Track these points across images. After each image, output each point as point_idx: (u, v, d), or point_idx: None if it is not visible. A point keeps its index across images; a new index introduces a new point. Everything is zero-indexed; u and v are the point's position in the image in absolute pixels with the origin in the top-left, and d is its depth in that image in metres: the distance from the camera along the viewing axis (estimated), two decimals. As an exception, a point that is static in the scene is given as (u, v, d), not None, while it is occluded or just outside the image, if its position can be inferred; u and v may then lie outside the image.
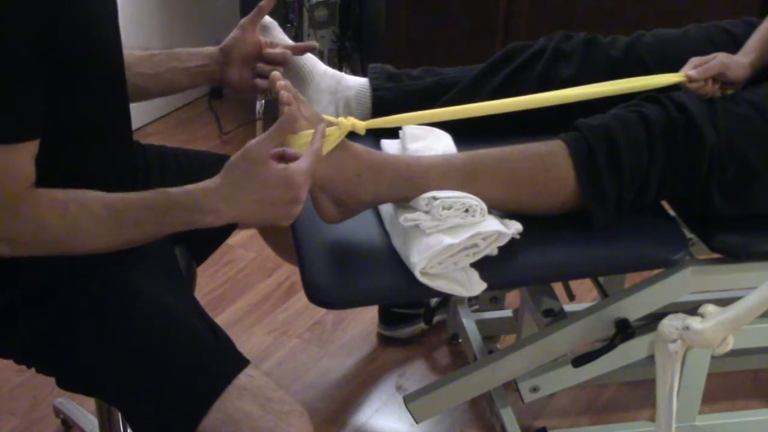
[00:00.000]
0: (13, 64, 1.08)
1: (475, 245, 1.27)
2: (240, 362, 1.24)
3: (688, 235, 1.48)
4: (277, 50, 1.49)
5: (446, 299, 1.99)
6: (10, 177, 1.11)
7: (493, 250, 1.29)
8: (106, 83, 1.25)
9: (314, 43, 1.55)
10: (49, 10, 1.09)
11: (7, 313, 1.24)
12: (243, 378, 1.21)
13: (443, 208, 1.26)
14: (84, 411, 1.81)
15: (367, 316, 2.17)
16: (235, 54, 1.48)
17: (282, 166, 1.14)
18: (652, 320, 1.47)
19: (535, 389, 1.58)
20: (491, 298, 1.99)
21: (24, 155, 1.12)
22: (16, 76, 1.09)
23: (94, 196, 1.16)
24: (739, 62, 1.48)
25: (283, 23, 2.74)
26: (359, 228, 1.37)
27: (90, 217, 1.14)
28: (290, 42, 1.58)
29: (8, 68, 1.08)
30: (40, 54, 1.09)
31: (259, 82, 1.48)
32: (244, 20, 1.48)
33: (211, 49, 1.49)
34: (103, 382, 1.26)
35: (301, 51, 1.53)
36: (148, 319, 1.23)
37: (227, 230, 1.56)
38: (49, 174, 1.16)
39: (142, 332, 1.22)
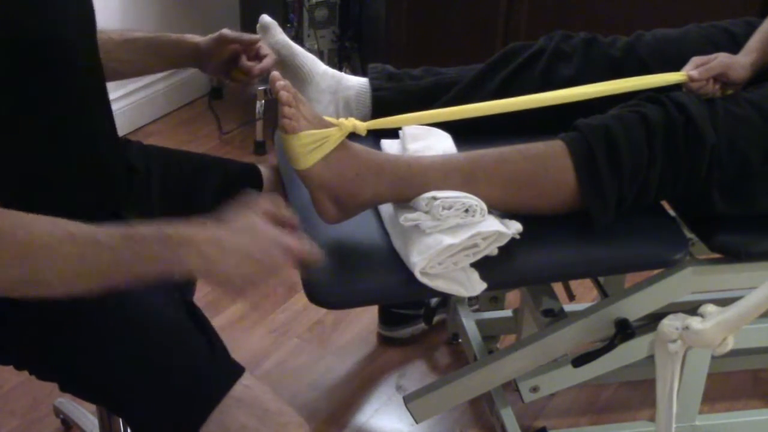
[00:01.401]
0: None
1: (475, 245, 1.27)
2: (235, 371, 1.22)
3: (688, 235, 1.48)
4: (255, 68, 1.50)
5: (446, 299, 1.99)
6: None
7: (493, 250, 1.29)
8: (74, 80, 1.23)
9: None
10: None
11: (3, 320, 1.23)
12: (239, 388, 1.19)
13: (443, 208, 1.26)
14: (84, 411, 1.82)
15: (367, 316, 2.17)
16: (212, 57, 1.50)
17: (276, 232, 1.09)
18: (652, 320, 1.47)
19: (535, 389, 1.58)
20: (491, 298, 1.99)
21: None
22: None
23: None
24: (740, 62, 1.48)
25: (283, 23, 2.74)
26: (359, 228, 1.37)
27: (57, 234, 1.00)
28: (289, 42, 1.58)
29: None
30: None
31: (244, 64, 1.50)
32: (226, 34, 1.49)
33: (192, 45, 1.51)
34: (101, 391, 1.25)
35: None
36: (144, 328, 1.21)
37: None
38: (32, 178, 1.15)
39: (137, 342, 1.21)
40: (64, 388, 1.28)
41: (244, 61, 1.50)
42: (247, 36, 1.51)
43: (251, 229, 1.08)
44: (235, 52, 1.50)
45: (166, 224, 1.05)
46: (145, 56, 1.49)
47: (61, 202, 1.18)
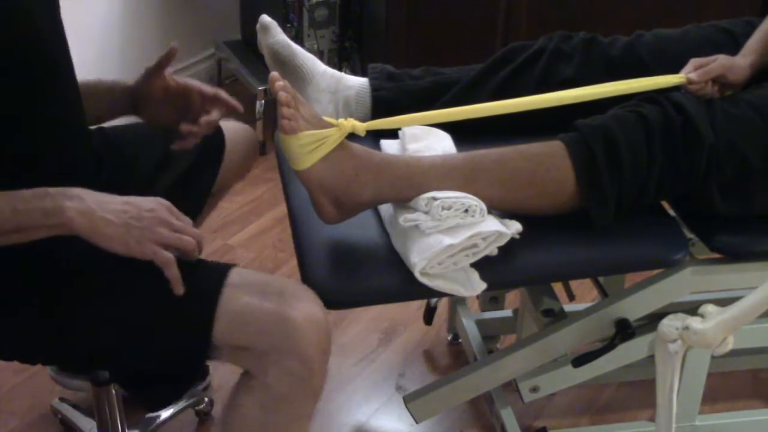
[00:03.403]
0: None
1: (475, 245, 1.27)
2: (226, 265, 1.25)
3: (688, 235, 1.48)
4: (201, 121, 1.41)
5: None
6: None
7: (493, 250, 1.29)
8: (35, 62, 1.22)
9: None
10: None
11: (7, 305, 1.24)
12: (234, 276, 1.23)
13: (443, 209, 1.26)
14: (79, 414, 1.81)
15: (367, 316, 2.17)
16: (143, 96, 1.43)
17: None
18: (652, 320, 1.47)
19: (535, 389, 1.58)
20: (491, 298, 1.99)
21: None
22: None
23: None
24: (739, 64, 1.48)
25: (283, 23, 2.74)
26: (359, 228, 1.37)
27: None
28: (289, 42, 1.58)
29: None
30: None
31: (184, 126, 1.40)
32: (149, 67, 1.41)
33: (125, 87, 1.43)
34: (110, 343, 1.25)
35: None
36: (124, 265, 1.21)
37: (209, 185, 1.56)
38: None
39: (123, 278, 1.22)
40: (66, 364, 1.28)
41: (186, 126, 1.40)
42: (177, 81, 1.42)
43: (136, 206, 1.17)
44: (162, 87, 1.41)
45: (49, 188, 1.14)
46: (91, 103, 1.39)
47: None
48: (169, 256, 1.17)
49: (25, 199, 1.14)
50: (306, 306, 1.22)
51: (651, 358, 1.46)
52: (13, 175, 1.21)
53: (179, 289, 1.18)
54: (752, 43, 1.53)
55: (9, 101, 1.19)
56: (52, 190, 1.15)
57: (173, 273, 1.17)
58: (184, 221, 1.21)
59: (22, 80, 1.20)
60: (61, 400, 1.85)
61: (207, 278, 1.24)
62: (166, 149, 1.45)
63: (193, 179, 1.55)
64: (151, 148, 1.50)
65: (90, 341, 1.25)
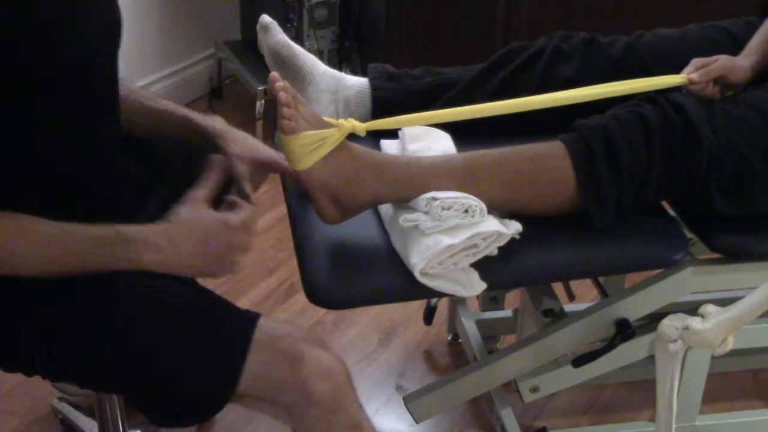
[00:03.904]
0: None
1: (475, 245, 1.27)
2: (252, 317, 1.24)
3: (688, 235, 1.48)
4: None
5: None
6: None
7: (493, 250, 1.29)
8: (91, 92, 1.22)
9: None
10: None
11: (16, 317, 1.23)
12: (260, 331, 1.22)
13: (443, 209, 1.26)
14: (79, 414, 1.81)
15: (367, 316, 2.17)
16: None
17: (219, 213, 1.22)
18: (652, 320, 1.47)
19: (535, 389, 1.58)
20: (491, 298, 1.99)
21: None
22: None
23: (38, 220, 1.15)
24: (740, 65, 1.48)
25: (283, 23, 2.74)
26: (359, 228, 1.37)
27: (24, 237, 1.13)
28: (289, 42, 1.58)
29: None
30: None
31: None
32: (254, 158, 1.38)
33: (204, 133, 1.40)
34: (131, 381, 1.24)
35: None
36: (154, 301, 1.22)
37: None
38: (38, 180, 1.15)
39: (153, 316, 1.21)
40: (84, 384, 1.28)
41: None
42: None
43: (195, 222, 1.21)
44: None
45: (122, 225, 1.18)
46: (163, 129, 1.42)
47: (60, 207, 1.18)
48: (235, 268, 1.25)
49: (93, 241, 1.15)
50: (320, 358, 1.24)
51: (651, 358, 1.46)
52: (34, 176, 1.20)
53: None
54: (753, 45, 1.53)
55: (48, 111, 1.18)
56: (123, 232, 1.17)
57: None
58: (241, 236, 1.23)
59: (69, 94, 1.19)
60: (60, 399, 1.85)
61: (234, 328, 1.23)
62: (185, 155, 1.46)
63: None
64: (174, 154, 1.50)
65: (113, 377, 1.25)
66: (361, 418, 1.25)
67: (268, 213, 2.57)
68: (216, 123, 1.40)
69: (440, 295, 1.30)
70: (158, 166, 1.48)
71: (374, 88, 1.60)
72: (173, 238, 1.19)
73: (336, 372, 1.23)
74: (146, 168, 1.45)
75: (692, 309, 1.39)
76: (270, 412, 1.25)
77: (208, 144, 1.39)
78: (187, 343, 1.21)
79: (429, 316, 2.04)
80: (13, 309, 1.22)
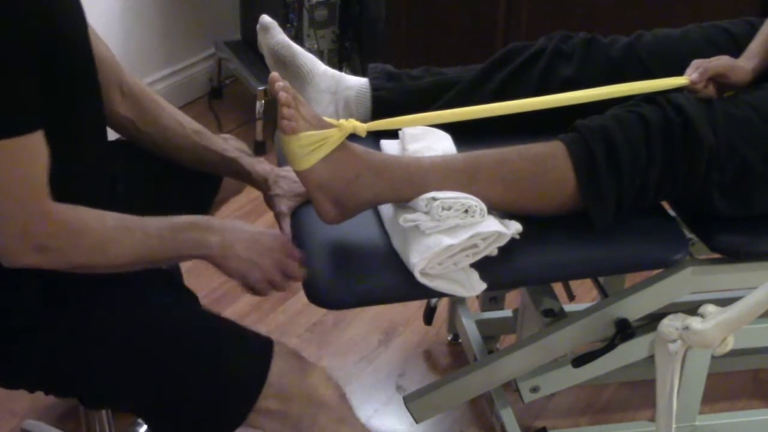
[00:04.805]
0: (13, 56, 1.08)
1: (475, 246, 1.27)
2: (268, 344, 1.30)
3: (688, 235, 1.48)
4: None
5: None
6: (38, 168, 1.12)
7: (493, 251, 1.29)
8: (75, 83, 1.23)
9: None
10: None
11: (25, 333, 1.24)
12: (275, 360, 1.28)
13: (443, 209, 1.26)
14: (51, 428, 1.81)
15: (367, 316, 2.17)
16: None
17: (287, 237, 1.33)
18: (652, 320, 1.47)
19: (535, 389, 1.58)
20: (491, 298, 1.99)
21: (42, 144, 1.12)
22: (17, 67, 1.09)
23: (122, 213, 1.20)
24: (742, 67, 1.48)
25: (283, 23, 2.74)
26: (359, 228, 1.37)
27: (123, 227, 1.20)
28: (289, 42, 1.58)
29: (9, 60, 1.08)
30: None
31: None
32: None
33: (245, 175, 1.50)
34: (148, 401, 1.28)
35: None
36: (173, 329, 1.28)
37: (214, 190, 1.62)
38: None
39: (169, 344, 1.26)
40: (90, 403, 1.31)
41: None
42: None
43: (263, 232, 1.30)
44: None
45: (197, 216, 1.27)
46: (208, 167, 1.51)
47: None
48: (271, 292, 1.31)
49: (174, 228, 1.23)
50: (323, 369, 1.33)
51: (651, 358, 1.46)
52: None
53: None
54: (755, 47, 1.52)
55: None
56: (198, 220, 1.26)
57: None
58: (293, 266, 1.30)
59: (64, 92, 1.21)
60: (32, 421, 1.84)
61: (252, 354, 1.29)
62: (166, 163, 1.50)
63: (195, 192, 1.58)
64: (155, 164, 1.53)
65: (133, 395, 1.28)
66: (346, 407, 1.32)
67: (268, 213, 2.56)
68: (262, 167, 1.49)
69: (440, 295, 1.30)
70: (145, 165, 1.49)
71: (374, 89, 1.60)
72: (235, 228, 1.27)
73: (338, 384, 1.31)
74: (133, 167, 1.46)
75: (692, 309, 1.39)
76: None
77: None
78: (215, 357, 1.27)
79: (429, 316, 2.04)
80: (21, 326, 1.23)
